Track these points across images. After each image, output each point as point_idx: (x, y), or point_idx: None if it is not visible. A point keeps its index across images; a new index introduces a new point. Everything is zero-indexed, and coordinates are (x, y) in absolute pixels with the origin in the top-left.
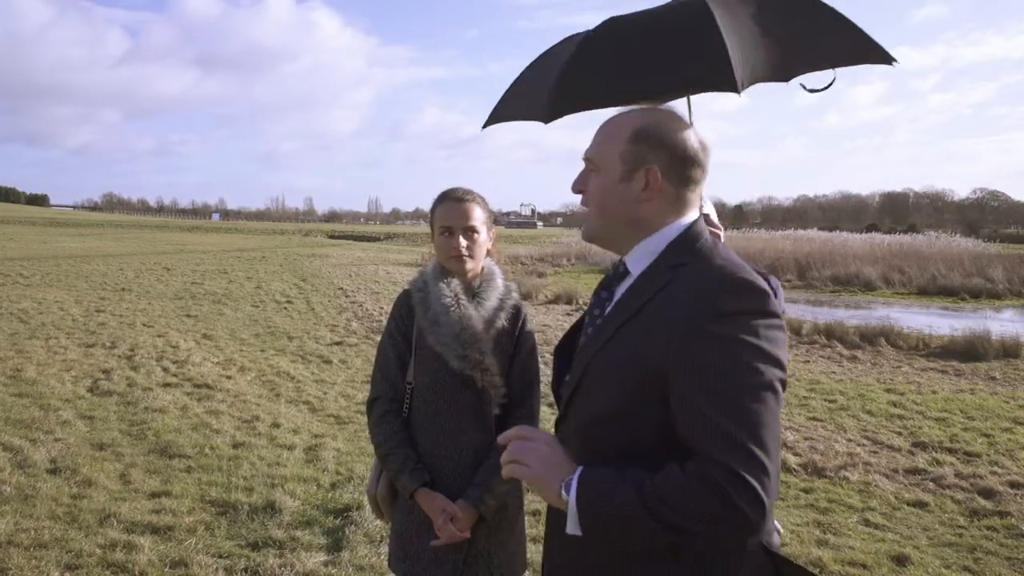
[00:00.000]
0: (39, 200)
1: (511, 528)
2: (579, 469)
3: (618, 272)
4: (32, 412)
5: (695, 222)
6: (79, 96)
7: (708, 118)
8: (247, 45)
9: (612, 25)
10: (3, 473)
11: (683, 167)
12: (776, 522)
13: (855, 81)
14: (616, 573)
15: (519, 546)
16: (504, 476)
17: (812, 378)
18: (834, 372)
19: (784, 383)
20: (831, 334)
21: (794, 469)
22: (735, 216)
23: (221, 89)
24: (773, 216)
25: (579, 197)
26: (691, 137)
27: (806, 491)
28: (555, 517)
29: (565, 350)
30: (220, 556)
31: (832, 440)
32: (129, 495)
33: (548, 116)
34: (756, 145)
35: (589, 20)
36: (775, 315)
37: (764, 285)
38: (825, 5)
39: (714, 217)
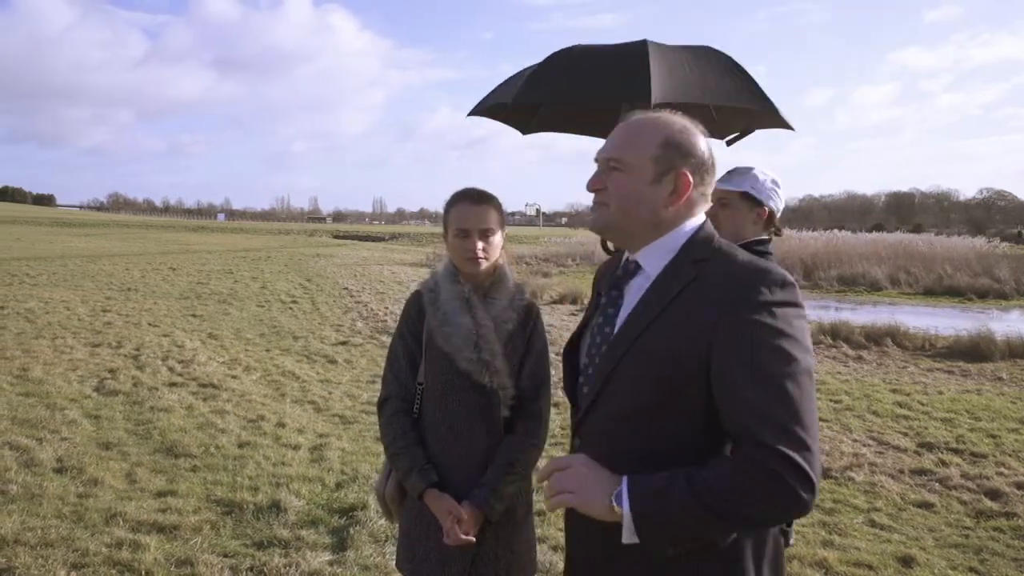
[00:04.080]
0: (45, 200)
1: (518, 530)
2: (625, 479)
3: (628, 270)
4: (38, 411)
5: (705, 223)
6: (94, 97)
7: None
8: (264, 47)
9: (567, 51)
10: (9, 472)
11: (704, 173)
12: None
13: (864, 82)
14: (646, 571)
15: (527, 548)
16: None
17: (817, 378)
18: (840, 372)
19: (814, 367)
20: (837, 334)
21: None
22: None
23: (235, 90)
24: (779, 216)
25: (585, 197)
26: (708, 146)
27: None
28: (576, 520)
29: (574, 351)
30: (225, 555)
31: (838, 440)
32: (135, 494)
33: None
34: (763, 146)
35: (599, 23)
36: (801, 306)
37: (793, 279)
38: (748, 75)
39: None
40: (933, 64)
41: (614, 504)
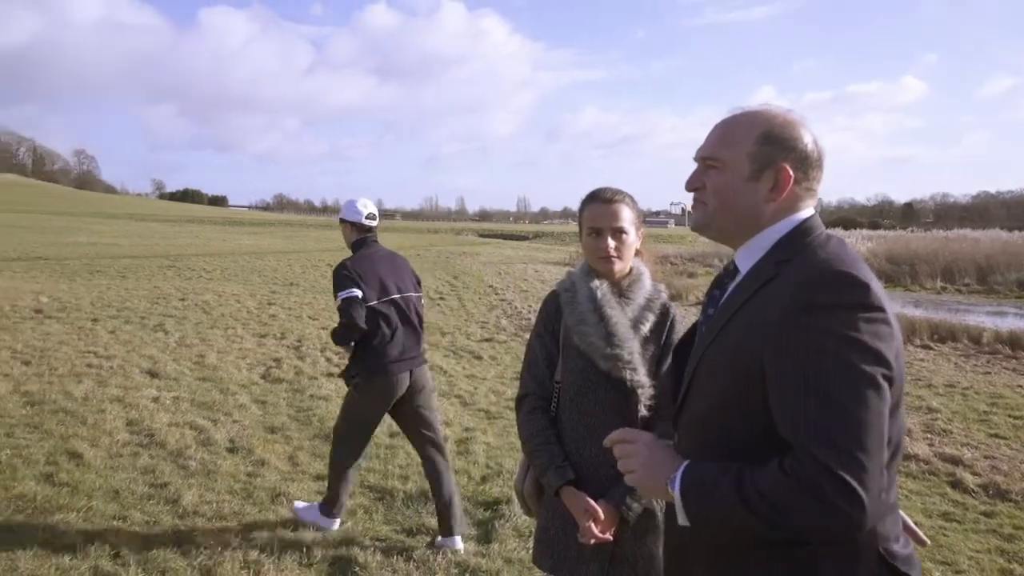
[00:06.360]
0: (219, 201)
1: (656, 533)
2: (683, 465)
3: (729, 270)
4: (213, 395)
5: (808, 218)
6: (266, 106)
7: (888, 111)
8: (420, 53)
9: None
10: (190, 449)
11: (808, 167)
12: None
13: None
14: (729, 565)
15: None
16: (627, 483)
17: (994, 391)
18: (1020, 385)
19: (890, 378)
20: (1016, 343)
21: (973, 490)
22: (904, 214)
23: (393, 95)
24: (948, 215)
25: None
26: (813, 140)
27: (987, 515)
28: (669, 507)
29: (684, 347)
30: (378, 539)
31: (1018, 460)
32: (297, 476)
33: None
34: (933, 139)
35: (753, 15)
36: (877, 308)
37: (865, 278)
38: None
39: None
40: None
41: (669, 488)
